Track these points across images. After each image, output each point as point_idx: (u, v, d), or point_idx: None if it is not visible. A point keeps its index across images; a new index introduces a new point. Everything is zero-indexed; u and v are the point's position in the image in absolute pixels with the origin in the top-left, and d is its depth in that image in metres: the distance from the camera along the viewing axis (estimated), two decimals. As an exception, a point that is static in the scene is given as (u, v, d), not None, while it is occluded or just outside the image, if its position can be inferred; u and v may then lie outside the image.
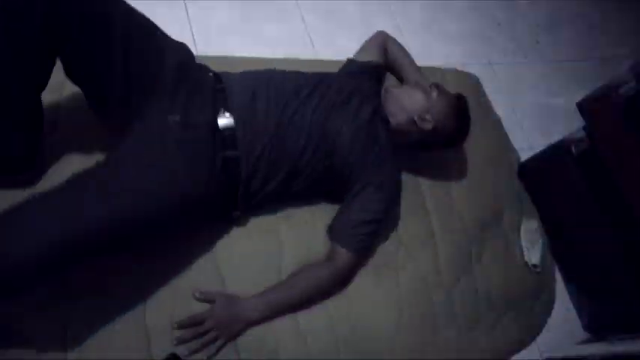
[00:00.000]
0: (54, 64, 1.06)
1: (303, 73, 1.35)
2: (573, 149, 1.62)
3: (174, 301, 1.14)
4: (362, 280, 1.33)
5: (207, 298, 1.15)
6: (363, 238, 1.27)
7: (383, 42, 1.64)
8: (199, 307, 1.15)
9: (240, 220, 1.28)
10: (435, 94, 1.39)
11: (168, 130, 1.06)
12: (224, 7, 1.66)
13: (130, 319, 1.10)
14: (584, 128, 1.57)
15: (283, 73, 1.33)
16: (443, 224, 1.52)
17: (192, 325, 1.11)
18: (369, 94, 1.39)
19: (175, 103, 1.10)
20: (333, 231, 1.30)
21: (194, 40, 1.52)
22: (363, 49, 1.63)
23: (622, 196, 1.42)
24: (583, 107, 1.57)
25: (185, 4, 1.61)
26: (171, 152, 1.04)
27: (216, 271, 1.21)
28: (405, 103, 1.38)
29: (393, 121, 1.38)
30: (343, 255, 1.25)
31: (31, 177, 1.16)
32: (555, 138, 1.80)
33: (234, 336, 1.15)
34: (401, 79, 1.69)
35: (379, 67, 1.59)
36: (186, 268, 1.19)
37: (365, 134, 1.29)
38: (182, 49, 1.20)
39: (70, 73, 1.09)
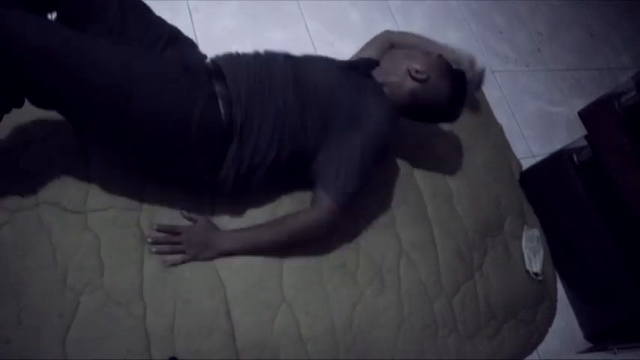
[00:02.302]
0: None
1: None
2: (575, 158, 1.63)
3: (174, 304, 1.14)
4: (363, 287, 1.33)
5: (191, 218, 1.24)
6: (347, 191, 1.24)
7: (388, 40, 1.61)
8: (199, 310, 1.15)
9: (229, 192, 1.25)
10: (434, 55, 1.40)
11: (165, 59, 1.19)
12: (228, 13, 1.67)
13: (130, 323, 1.09)
14: (585, 137, 1.57)
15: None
16: (444, 232, 1.52)
17: (170, 232, 1.20)
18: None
19: (171, 47, 1.24)
20: (318, 177, 1.27)
21: (198, 45, 1.52)
22: (366, 46, 1.61)
23: (624, 205, 1.43)
24: (584, 116, 1.58)
25: (189, 9, 1.62)
26: (169, 73, 1.11)
27: (216, 274, 1.21)
28: (402, 59, 1.40)
29: (387, 78, 1.38)
30: (328, 205, 1.23)
31: None
32: (557, 146, 1.81)
33: (199, 258, 1.21)
34: None
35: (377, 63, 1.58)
36: (186, 272, 1.18)
37: (352, 83, 1.31)
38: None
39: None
